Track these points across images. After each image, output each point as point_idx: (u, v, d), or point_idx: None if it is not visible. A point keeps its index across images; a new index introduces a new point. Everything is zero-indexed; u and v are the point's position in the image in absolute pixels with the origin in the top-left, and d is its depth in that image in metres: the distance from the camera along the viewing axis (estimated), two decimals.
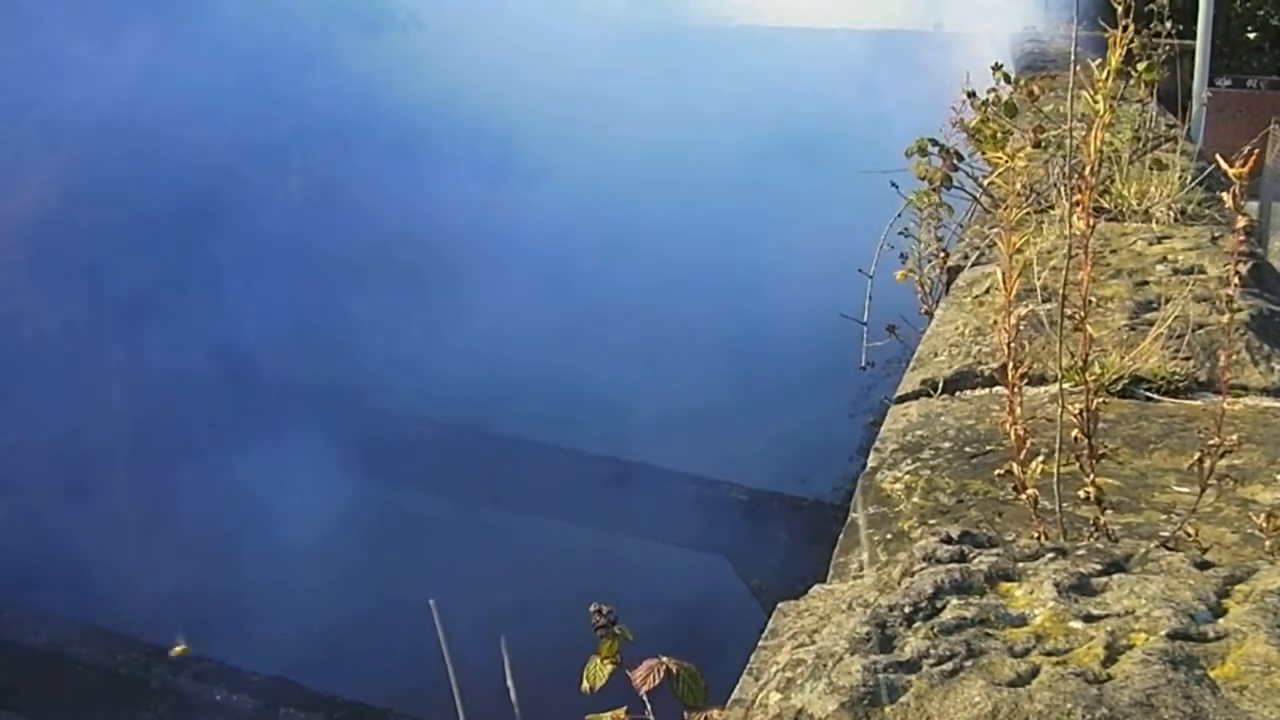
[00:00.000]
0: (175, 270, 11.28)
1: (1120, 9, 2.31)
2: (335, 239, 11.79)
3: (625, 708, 1.91)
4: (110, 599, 9.32)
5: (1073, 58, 2.15)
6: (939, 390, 3.09)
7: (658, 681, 1.92)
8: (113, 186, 10.88)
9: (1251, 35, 22.45)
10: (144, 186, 10.93)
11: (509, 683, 1.89)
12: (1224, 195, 1.96)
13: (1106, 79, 2.06)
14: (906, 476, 2.53)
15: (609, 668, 1.95)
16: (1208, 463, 1.97)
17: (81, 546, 9.87)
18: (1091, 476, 2.03)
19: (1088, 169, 2.04)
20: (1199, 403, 2.82)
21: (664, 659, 1.93)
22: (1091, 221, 2.01)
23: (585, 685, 1.94)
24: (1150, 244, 3.90)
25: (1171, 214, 4.16)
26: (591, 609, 1.96)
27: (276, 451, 10.59)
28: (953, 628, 1.60)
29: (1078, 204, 2.01)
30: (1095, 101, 2.03)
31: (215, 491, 10.81)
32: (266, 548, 9.64)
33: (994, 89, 4.95)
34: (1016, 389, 2.06)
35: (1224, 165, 1.98)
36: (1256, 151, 2.01)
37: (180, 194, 10.97)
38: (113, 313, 11.10)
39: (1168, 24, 4.86)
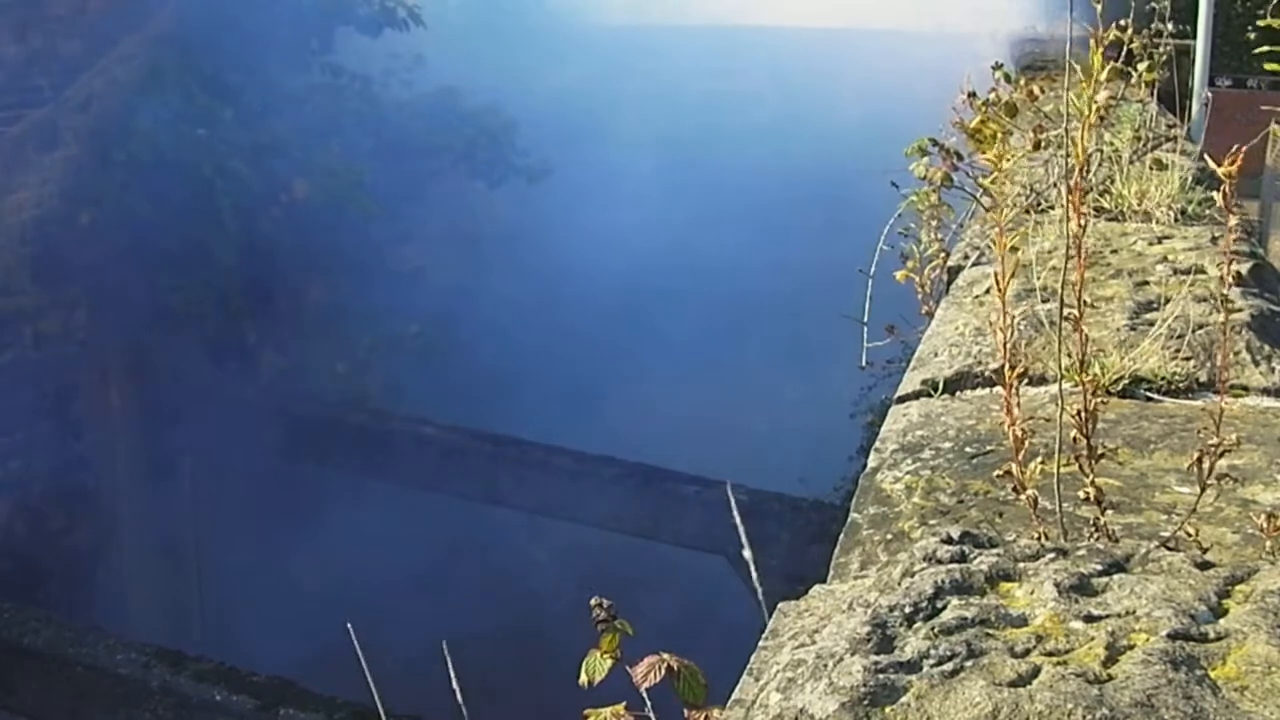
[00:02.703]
0: None
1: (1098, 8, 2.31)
2: None
3: (625, 703, 1.91)
4: None
5: (1067, 57, 2.15)
6: (939, 390, 3.08)
7: (658, 679, 1.92)
8: None
9: (1251, 35, 22.44)
10: None
11: (454, 685, 1.89)
12: (1216, 195, 1.96)
13: (1092, 80, 2.06)
14: (907, 476, 2.53)
15: (609, 662, 1.95)
16: (1208, 463, 1.97)
17: None
18: (1091, 477, 2.03)
19: (1077, 169, 2.04)
20: (1199, 403, 2.81)
21: (664, 656, 1.93)
22: (1083, 221, 2.01)
23: (584, 679, 1.94)
24: (1150, 244, 3.90)
25: (1171, 214, 4.16)
26: (592, 603, 1.96)
27: None
28: (953, 628, 1.60)
29: (1071, 204, 2.01)
30: (1081, 102, 2.03)
31: None
32: None
33: (994, 89, 4.94)
34: (1014, 389, 2.06)
35: (1213, 165, 1.98)
36: (1245, 150, 2.00)
37: None
38: None
39: (1168, 24, 4.86)
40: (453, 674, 1.89)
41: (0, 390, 9.92)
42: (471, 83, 12.71)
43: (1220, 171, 1.93)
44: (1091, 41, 2.19)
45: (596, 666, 1.95)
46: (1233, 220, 2.00)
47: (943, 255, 4.29)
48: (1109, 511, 2.08)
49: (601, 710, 1.91)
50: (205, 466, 11.59)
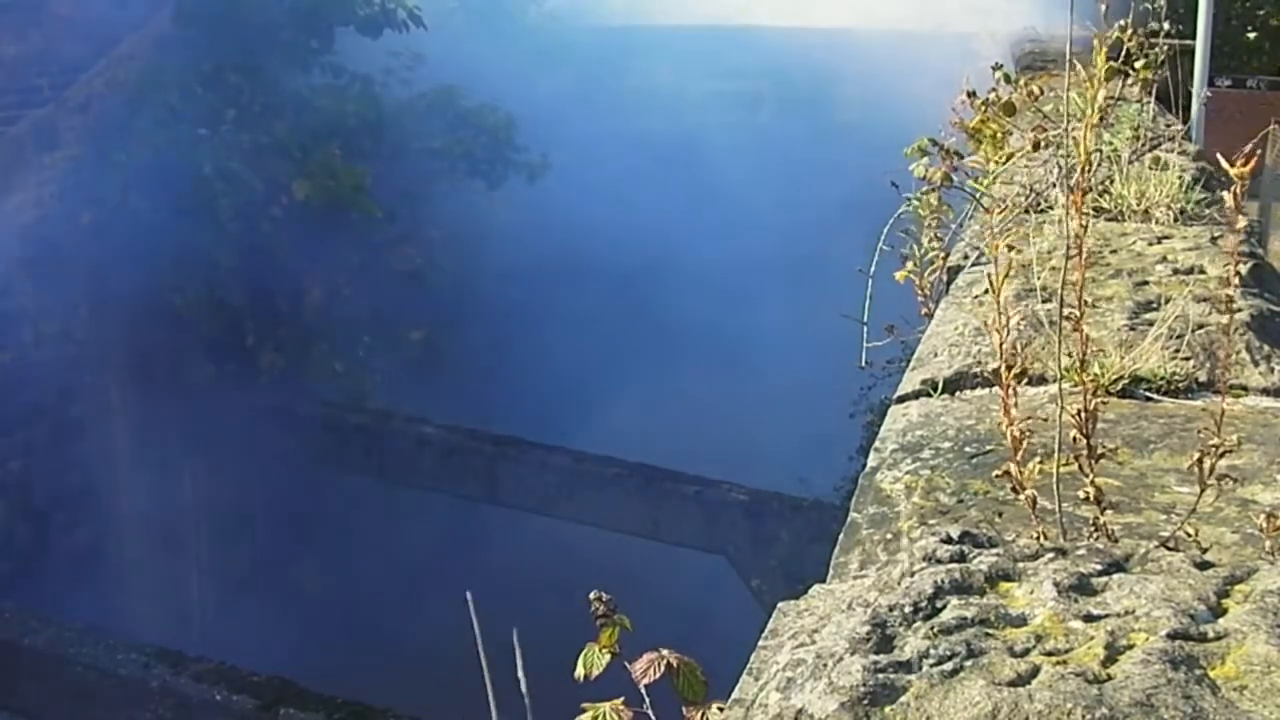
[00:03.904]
0: None
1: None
2: None
3: (623, 698, 1.91)
4: None
5: (1068, 56, 2.15)
6: (939, 390, 3.08)
7: (658, 675, 1.91)
8: None
9: (1251, 35, 22.41)
10: None
11: (519, 674, 1.88)
12: (1225, 195, 1.96)
13: (1095, 81, 2.06)
14: (906, 476, 2.53)
15: (607, 656, 1.94)
16: (1208, 463, 1.97)
17: None
18: (1090, 477, 2.03)
19: (1079, 170, 2.04)
20: (1199, 403, 2.81)
21: (664, 652, 1.93)
22: (1084, 221, 2.01)
23: (580, 672, 1.93)
24: (1150, 244, 3.90)
25: (1171, 214, 4.16)
26: (592, 596, 1.95)
27: None
28: (953, 628, 1.60)
29: (1072, 203, 2.01)
30: (1083, 101, 2.03)
31: None
32: None
33: (994, 89, 4.94)
34: (1011, 390, 2.06)
35: (1225, 165, 1.98)
36: (1258, 152, 2.00)
37: None
38: None
39: (1165, 23, 4.86)
40: (520, 664, 1.89)
41: (0, 390, 9.92)
42: (471, 83, 12.71)
43: (1233, 172, 1.93)
44: (1095, 41, 2.19)
45: (594, 660, 1.95)
46: (1242, 221, 1.99)
47: (942, 255, 4.28)
48: (1108, 511, 2.08)
49: (599, 704, 1.91)
50: (205, 466, 11.59)
